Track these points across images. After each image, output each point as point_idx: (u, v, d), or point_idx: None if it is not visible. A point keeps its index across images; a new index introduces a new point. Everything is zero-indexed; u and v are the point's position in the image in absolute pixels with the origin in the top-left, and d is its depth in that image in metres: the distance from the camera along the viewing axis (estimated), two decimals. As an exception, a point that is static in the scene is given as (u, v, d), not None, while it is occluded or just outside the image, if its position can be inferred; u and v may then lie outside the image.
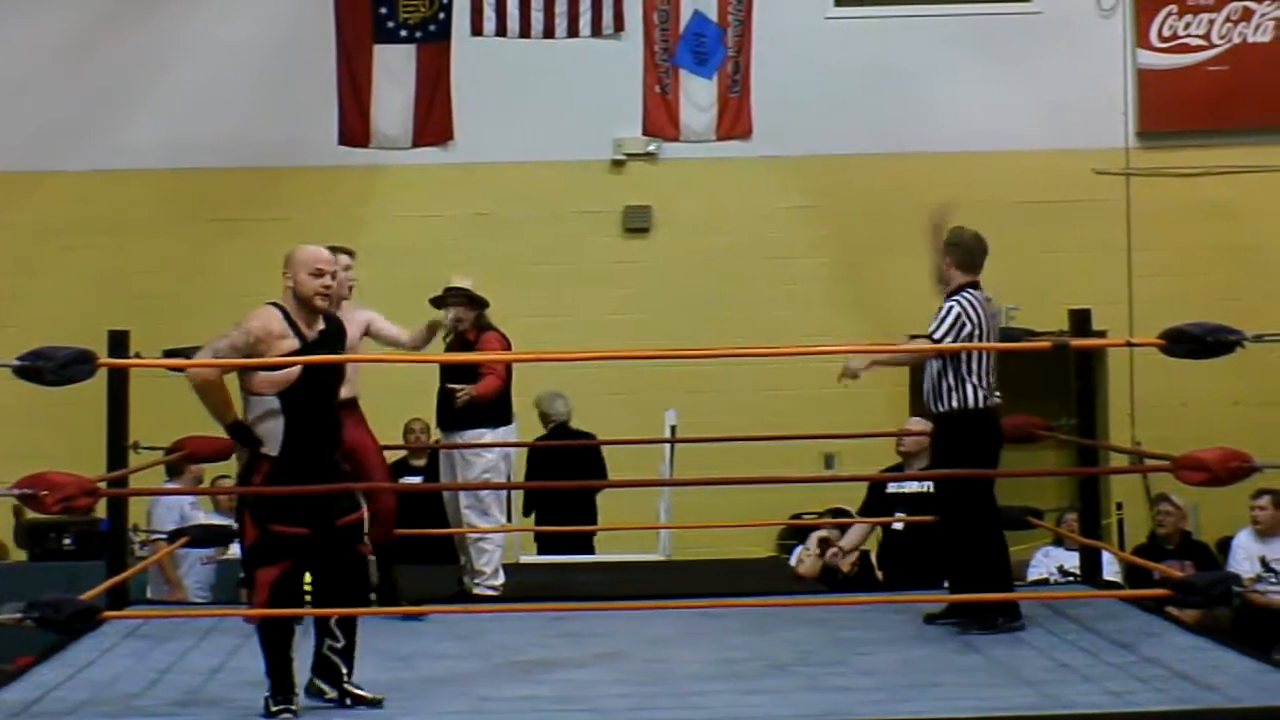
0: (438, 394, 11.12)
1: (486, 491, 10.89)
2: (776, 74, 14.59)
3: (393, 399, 13.93)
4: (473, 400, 10.61)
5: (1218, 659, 8.03)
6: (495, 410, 10.91)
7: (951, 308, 9.00)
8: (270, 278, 15.21)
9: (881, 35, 15.77)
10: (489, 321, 11.08)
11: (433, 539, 11.93)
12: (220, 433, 10.54)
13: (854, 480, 12.50)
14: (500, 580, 10.94)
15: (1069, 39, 15.65)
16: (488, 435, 10.91)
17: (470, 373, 10.81)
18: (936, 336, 8.92)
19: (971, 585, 8.94)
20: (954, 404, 8.97)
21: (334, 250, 8.43)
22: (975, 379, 8.96)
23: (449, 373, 10.91)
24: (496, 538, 11.05)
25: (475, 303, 10.93)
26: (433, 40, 14.11)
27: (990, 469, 9.05)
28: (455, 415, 10.90)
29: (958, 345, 8.91)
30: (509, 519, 13.18)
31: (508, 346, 11.04)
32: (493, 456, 11.03)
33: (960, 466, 8.88)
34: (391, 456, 13.69)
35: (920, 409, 10.07)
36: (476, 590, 10.88)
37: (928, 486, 10.73)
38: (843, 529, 12.20)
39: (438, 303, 11.05)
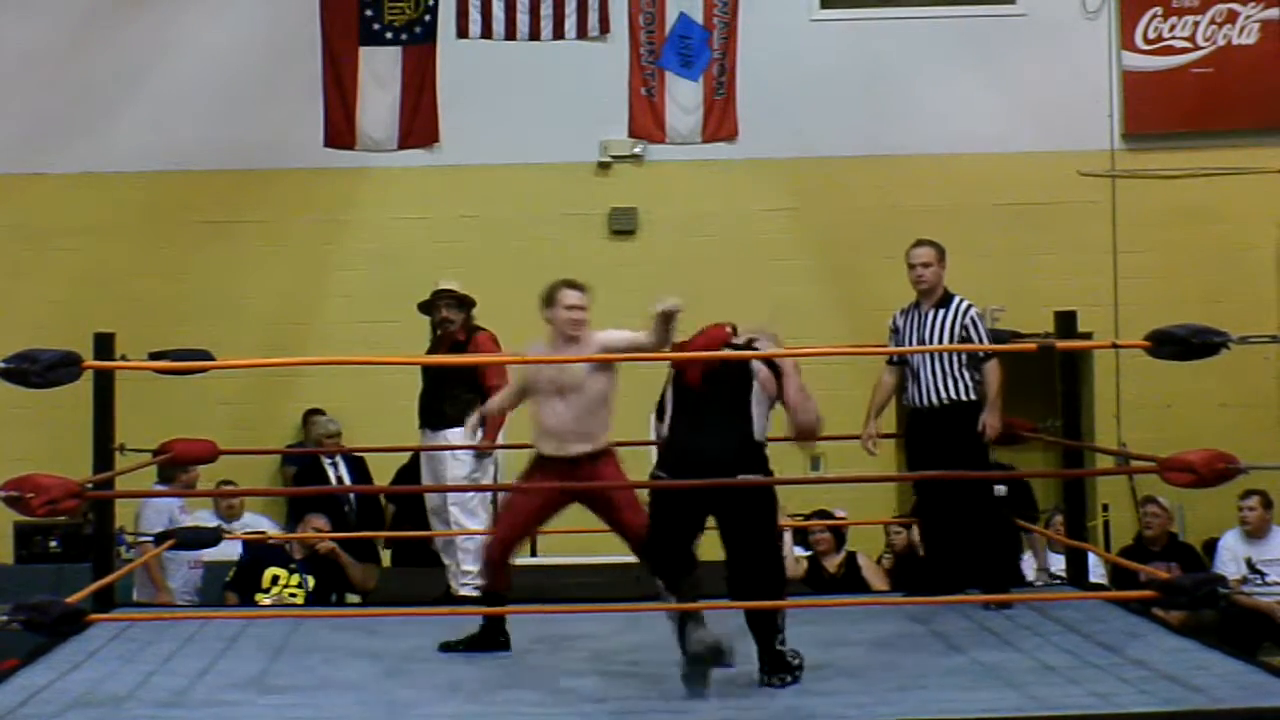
0: (421, 394, 11.14)
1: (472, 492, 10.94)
2: (762, 76, 14.59)
3: (377, 401, 13.98)
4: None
5: (1203, 660, 8.05)
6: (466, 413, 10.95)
7: (975, 310, 9.88)
8: (254, 279, 15.40)
9: (867, 37, 15.77)
10: (476, 322, 11.12)
11: (421, 541, 11.96)
12: (205, 435, 10.67)
13: (839, 482, 12.51)
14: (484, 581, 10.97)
15: (1054, 41, 15.65)
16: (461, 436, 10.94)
17: (467, 374, 10.85)
18: (990, 351, 9.75)
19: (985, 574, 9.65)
20: (969, 395, 9.75)
21: (572, 286, 8.93)
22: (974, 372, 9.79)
23: (441, 373, 10.92)
24: (482, 538, 11.09)
25: (464, 304, 10.99)
26: (418, 42, 14.10)
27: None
28: (442, 415, 10.92)
29: (956, 346, 9.71)
30: (495, 521, 13.22)
31: (499, 346, 11.09)
32: (460, 463, 11.06)
33: (970, 453, 9.56)
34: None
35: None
36: (463, 591, 10.91)
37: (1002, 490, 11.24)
38: (835, 530, 12.22)
39: (425, 307, 11.10)
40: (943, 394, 9.75)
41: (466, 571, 10.97)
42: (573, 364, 8.59)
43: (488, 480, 11.21)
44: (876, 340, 12.63)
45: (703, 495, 7.78)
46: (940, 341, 9.76)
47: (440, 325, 11.06)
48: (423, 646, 8.80)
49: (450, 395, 10.90)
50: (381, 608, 10.48)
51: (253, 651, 8.72)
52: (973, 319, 9.81)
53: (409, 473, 13.63)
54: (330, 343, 14.73)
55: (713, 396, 7.98)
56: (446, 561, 11.21)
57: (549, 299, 8.99)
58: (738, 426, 7.85)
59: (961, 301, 9.86)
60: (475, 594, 10.88)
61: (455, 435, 10.89)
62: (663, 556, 7.89)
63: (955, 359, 9.73)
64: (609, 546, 13.02)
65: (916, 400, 9.85)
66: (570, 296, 8.94)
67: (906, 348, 9.91)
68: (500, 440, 11.05)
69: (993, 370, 9.73)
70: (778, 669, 7.74)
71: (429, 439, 11.16)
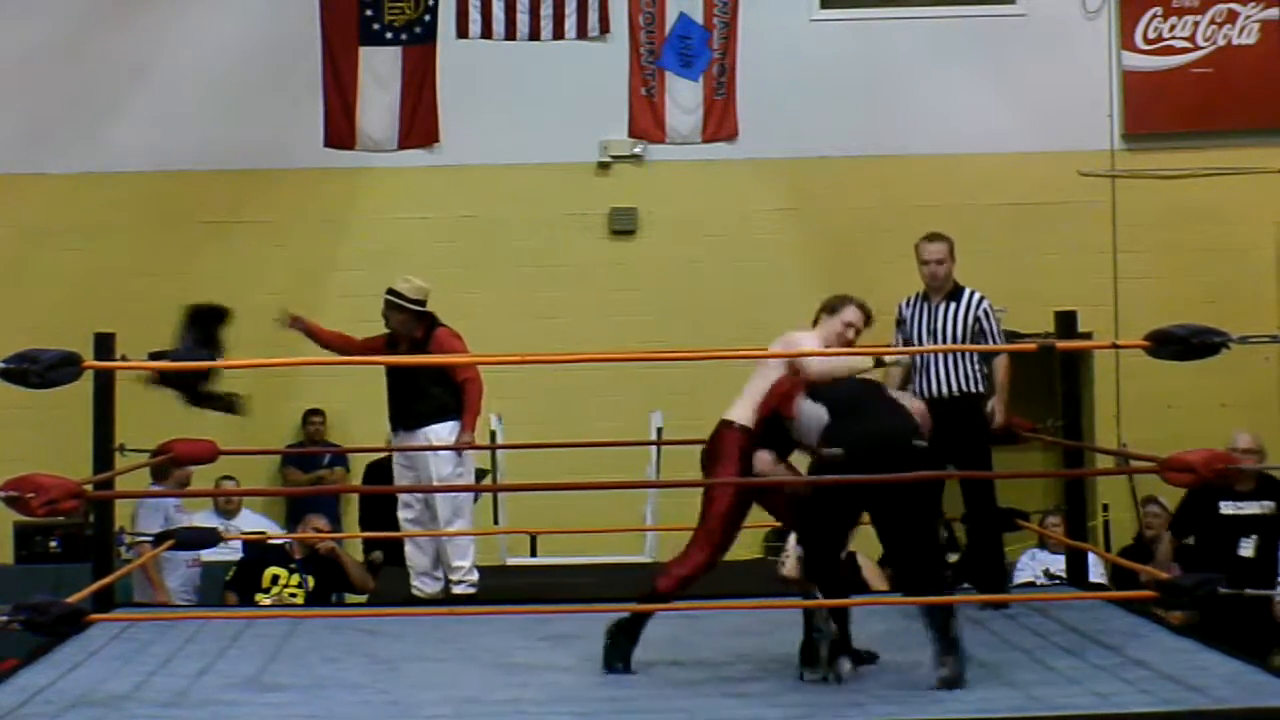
0: (393, 393, 11.09)
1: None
2: (762, 76, 14.60)
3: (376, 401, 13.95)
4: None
5: (1204, 660, 8.04)
6: (441, 409, 10.96)
7: (988, 302, 9.85)
8: (254, 279, 15.43)
9: (866, 37, 15.78)
10: (436, 319, 11.10)
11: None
12: (205, 435, 10.67)
13: (841, 482, 12.46)
14: (475, 577, 11.02)
15: (1054, 41, 15.66)
16: (441, 433, 10.94)
17: (435, 372, 10.86)
18: (1003, 342, 9.91)
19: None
20: (978, 387, 9.76)
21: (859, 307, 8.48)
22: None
23: (411, 372, 10.90)
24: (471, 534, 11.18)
25: (401, 307, 10.98)
26: (418, 42, 14.11)
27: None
28: (417, 415, 10.92)
29: (967, 347, 9.72)
30: (496, 521, 13.25)
31: (462, 340, 11.10)
32: (444, 459, 11.07)
33: (976, 447, 9.58)
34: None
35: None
36: (457, 589, 10.93)
37: (1269, 507, 11.44)
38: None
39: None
40: (953, 386, 9.72)
41: (458, 567, 10.98)
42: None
43: (469, 478, 11.25)
44: (876, 340, 12.65)
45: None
46: (952, 333, 9.77)
47: (393, 328, 11.11)
48: (422, 646, 8.80)
49: (424, 394, 10.90)
50: (381, 608, 10.47)
51: (252, 651, 8.71)
52: (985, 311, 9.80)
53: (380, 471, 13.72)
54: (330, 343, 14.72)
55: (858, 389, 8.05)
56: (417, 559, 11.16)
57: (832, 308, 8.50)
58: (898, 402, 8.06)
59: (973, 294, 9.85)
60: (471, 590, 10.92)
61: (433, 433, 10.90)
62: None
63: (961, 353, 9.72)
64: (609, 546, 13.11)
65: (924, 391, 9.77)
66: (851, 314, 8.47)
67: (914, 346, 9.89)
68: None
69: (1004, 363, 9.78)
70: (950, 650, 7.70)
71: (403, 439, 11.12)
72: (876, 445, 7.74)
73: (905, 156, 15.60)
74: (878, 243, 15.08)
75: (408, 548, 11.21)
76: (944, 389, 9.72)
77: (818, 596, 7.93)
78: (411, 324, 11.00)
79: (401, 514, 11.20)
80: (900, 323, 10.05)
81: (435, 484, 10.87)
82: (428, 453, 10.94)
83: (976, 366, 9.77)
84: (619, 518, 12.96)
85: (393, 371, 11.00)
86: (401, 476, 11.27)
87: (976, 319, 9.78)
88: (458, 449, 10.89)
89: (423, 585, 11.07)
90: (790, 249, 15.60)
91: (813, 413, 7.93)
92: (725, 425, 8.28)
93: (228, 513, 12.74)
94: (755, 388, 8.32)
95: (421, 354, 10.83)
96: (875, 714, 7.20)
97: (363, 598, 12.03)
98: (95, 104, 15.42)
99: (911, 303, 10.01)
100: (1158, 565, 11.65)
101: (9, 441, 14.23)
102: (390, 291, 11.05)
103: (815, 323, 8.50)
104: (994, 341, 9.77)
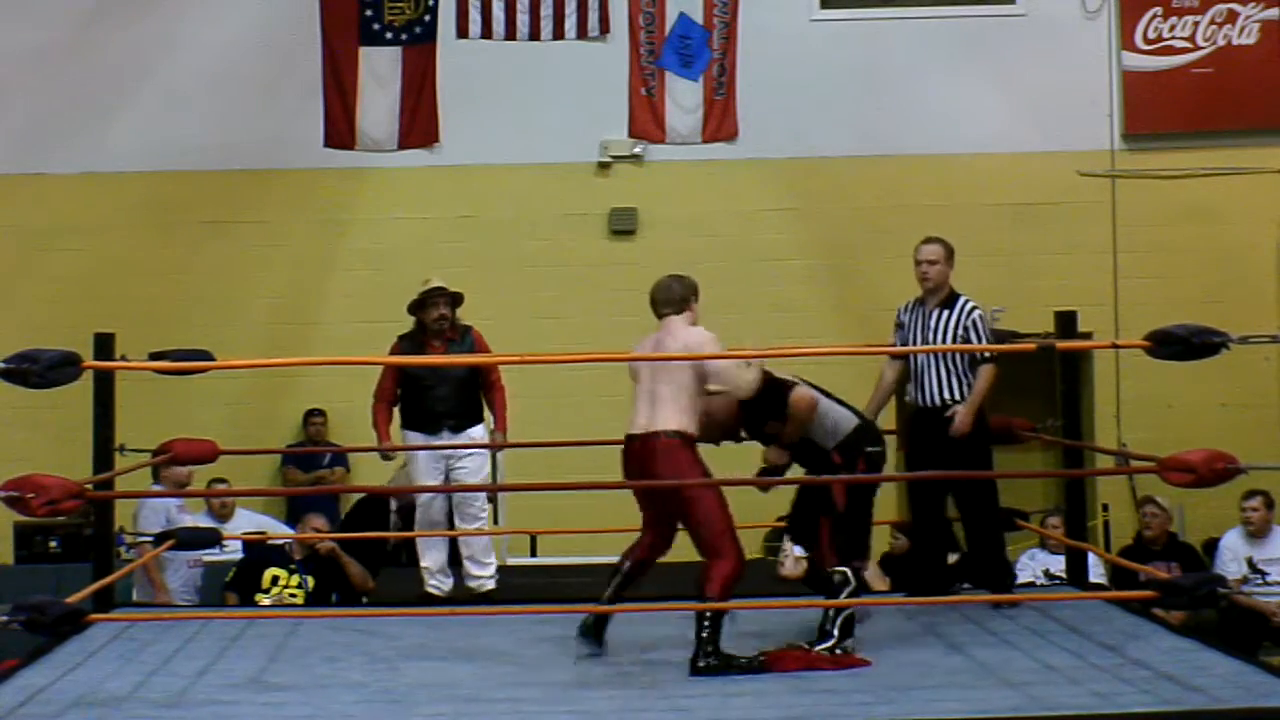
0: (433, 394, 11.05)
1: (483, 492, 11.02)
2: (762, 76, 14.60)
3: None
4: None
5: (1203, 660, 8.04)
6: (480, 409, 11.00)
7: (979, 312, 9.83)
8: (254, 280, 15.42)
9: (867, 37, 15.78)
10: (465, 321, 11.12)
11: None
12: (205, 435, 10.66)
13: (840, 481, 12.47)
14: (496, 578, 11.09)
15: (1054, 41, 15.66)
16: (479, 433, 10.98)
17: (475, 374, 10.87)
18: (990, 355, 9.74)
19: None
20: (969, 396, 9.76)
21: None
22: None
23: (456, 374, 10.88)
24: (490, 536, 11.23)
25: (456, 301, 11.00)
26: (418, 42, 14.10)
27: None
28: (466, 414, 10.91)
29: (958, 347, 9.73)
30: (497, 520, 13.27)
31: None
32: (486, 456, 11.13)
33: (971, 454, 9.60)
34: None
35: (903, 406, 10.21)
36: (484, 587, 10.96)
37: None
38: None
39: (418, 306, 11.04)
40: (944, 394, 9.73)
41: (487, 564, 11.00)
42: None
43: (486, 478, 11.27)
44: (876, 340, 12.66)
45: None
46: (942, 341, 9.75)
47: (437, 323, 11.01)
48: (423, 646, 8.80)
49: (472, 395, 10.91)
50: (381, 608, 10.47)
51: (253, 651, 8.72)
52: (974, 321, 9.76)
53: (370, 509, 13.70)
54: (330, 343, 14.74)
55: None
56: (428, 563, 11.13)
57: (696, 291, 9.57)
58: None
59: (966, 303, 9.84)
60: (491, 588, 10.95)
61: (474, 434, 10.93)
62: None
63: (958, 360, 9.71)
64: (609, 546, 13.10)
65: (918, 399, 9.85)
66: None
67: (908, 348, 9.91)
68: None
69: (985, 373, 9.70)
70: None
71: (447, 440, 11.01)
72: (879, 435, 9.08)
73: (905, 156, 15.60)
74: (878, 243, 15.08)
75: (423, 547, 11.17)
76: (935, 398, 9.74)
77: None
78: (454, 321, 11.00)
79: (420, 514, 11.18)
80: (899, 326, 10.06)
81: (453, 485, 10.89)
82: (475, 453, 10.94)
83: (968, 376, 9.75)
84: (619, 518, 12.92)
85: (434, 372, 10.91)
86: (432, 476, 11.11)
87: (965, 329, 9.76)
88: (495, 448, 10.98)
89: (439, 584, 11.04)
90: (790, 249, 15.59)
91: (843, 414, 8.91)
92: (664, 435, 8.46)
93: (222, 516, 12.68)
94: (668, 392, 8.50)
95: (460, 354, 10.85)
96: (875, 714, 7.20)
97: (362, 598, 12.04)
98: (95, 104, 15.41)
99: (910, 308, 10.02)
100: None
101: (9, 441, 14.24)
102: (440, 289, 11.00)
103: (680, 310, 9.37)
104: (981, 354, 9.73)
